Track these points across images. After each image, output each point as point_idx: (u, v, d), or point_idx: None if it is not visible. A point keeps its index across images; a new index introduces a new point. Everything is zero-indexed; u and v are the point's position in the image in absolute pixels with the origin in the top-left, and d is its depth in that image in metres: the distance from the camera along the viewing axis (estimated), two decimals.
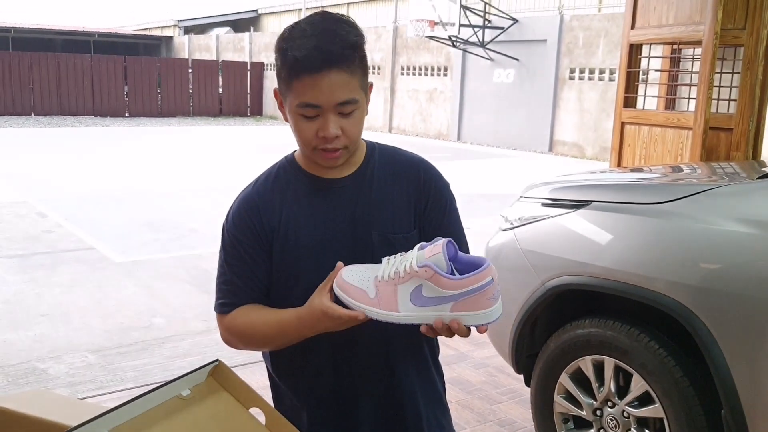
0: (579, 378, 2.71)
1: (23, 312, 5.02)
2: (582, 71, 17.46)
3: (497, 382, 3.85)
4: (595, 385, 2.64)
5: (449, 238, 1.32)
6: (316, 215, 1.52)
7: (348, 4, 31.06)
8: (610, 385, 2.58)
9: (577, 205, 2.72)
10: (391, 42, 23.03)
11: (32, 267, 6.16)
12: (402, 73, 22.96)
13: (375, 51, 23.74)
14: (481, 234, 3.22)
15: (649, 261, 2.41)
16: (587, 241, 2.64)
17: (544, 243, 2.79)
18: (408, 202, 1.56)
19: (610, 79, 16.75)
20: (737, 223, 2.26)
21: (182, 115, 25.82)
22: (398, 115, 23.08)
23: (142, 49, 34.14)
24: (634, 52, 5.94)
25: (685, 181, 3.11)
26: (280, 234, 1.51)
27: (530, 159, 16.75)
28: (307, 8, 31.89)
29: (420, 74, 22.33)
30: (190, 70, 26.23)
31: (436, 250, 1.28)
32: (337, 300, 1.38)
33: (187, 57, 30.77)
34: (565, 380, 2.74)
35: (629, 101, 5.99)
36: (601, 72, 17.03)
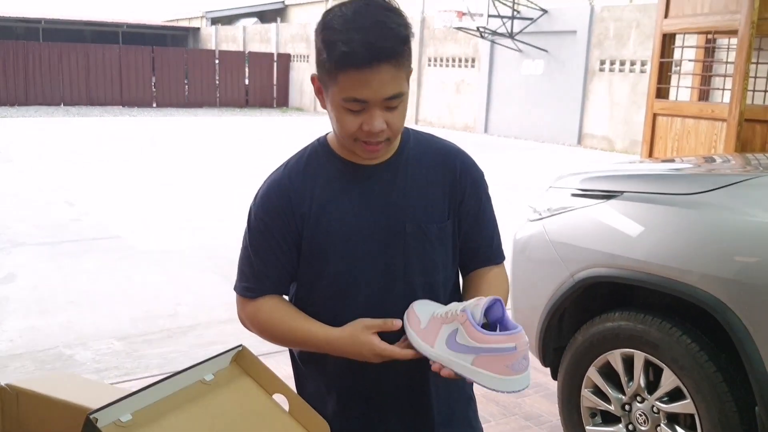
0: (607, 372, 2.65)
1: (51, 299, 5.07)
2: (612, 63, 17.22)
3: None
4: (624, 379, 2.59)
5: (499, 298, 1.32)
6: (349, 202, 1.48)
7: None
8: (640, 379, 2.52)
9: (607, 195, 2.66)
10: (419, 33, 22.91)
11: (61, 255, 6.22)
12: (429, 65, 22.85)
13: None
14: (507, 227, 3.16)
15: (682, 253, 2.35)
16: (618, 233, 2.58)
17: (574, 234, 2.73)
18: (443, 191, 1.52)
19: (642, 71, 16.49)
20: None
21: (209, 105, 25.96)
22: (425, 107, 22.99)
23: (170, 40, 34.38)
24: (668, 42, 5.82)
25: (721, 171, 3.03)
26: (311, 219, 1.47)
27: (558, 152, 16.58)
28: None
29: (447, 66, 22.20)
30: (216, 61, 26.34)
31: (479, 302, 1.31)
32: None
33: (214, 48, 30.91)
34: (593, 374, 2.68)
35: (662, 92, 5.88)
36: (632, 64, 16.78)
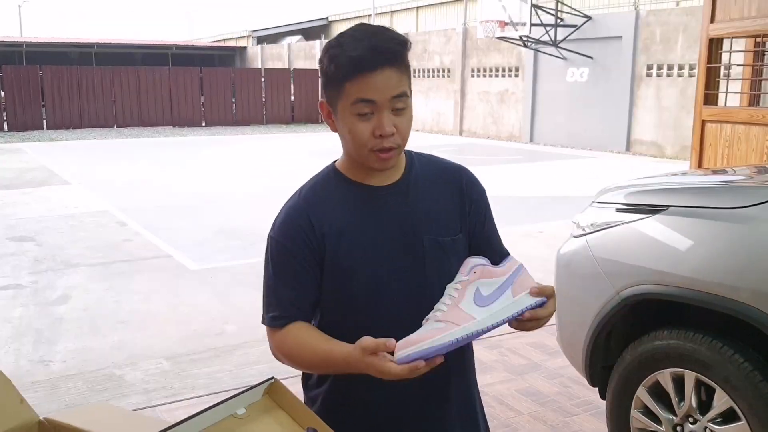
0: (657, 392, 2.58)
1: (103, 319, 5.17)
2: (660, 67, 16.91)
3: (572, 394, 3.72)
4: (674, 399, 2.51)
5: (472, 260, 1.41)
6: (366, 222, 1.52)
7: (417, 8, 31.07)
8: (691, 400, 2.44)
9: (653, 210, 2.60)
10: (461, 44, 22.88)
11: (112, 275, 6.36)
12: (472, 75, 22.77)
13: (444, 54, 23.65)
14: (555, 238, 3.11)
15: (732, 270, 2.27)
16: (665, 249, 2.51)
17: (619, 250, 2.67)
18: (453, 205, 1.59)
19: (690, 75, 16.14)
20: None
21: (256, 123, 26.33)
22: (469, 118, 22.89)
23: (217, 60, 35.05)
24: (714, 46, 5.67)
25: None
26: (332, 241, 1.50)
27: (607, 159, 16.32)
28: (376, 14, 32.07)
29: (491, 76, 22.09)
30: (263, 79, 26.72)
31: (467, 262, 1.40)
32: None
33: (260, 66, 31.40)
34: (642, 394, 2.61)
35: (710, 98, 5.72)
36: (680, 68, 16.45)
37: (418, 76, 25.06)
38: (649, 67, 17.14)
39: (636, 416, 2.65)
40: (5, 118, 22.75)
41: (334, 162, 1.61)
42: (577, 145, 18.70)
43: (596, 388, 2.94)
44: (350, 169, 1.55)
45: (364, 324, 1.50)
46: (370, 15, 32.72)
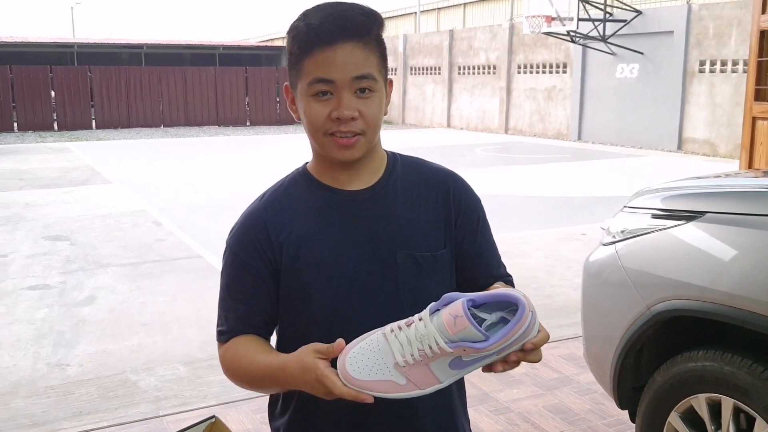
0: (691, 418, 2.32)
1: (126, 321, 5.09)
2: (713, 63, 16.30)
3: (604, 412, 3.45)
4: (710, 427, 2.25)
5: (467, 299, 1.10)
6: (332, 231, 1.32)
7: (464, 4, 30.72)
8: (729, 428, 2.18)
9: (689, 216, 2.34)
10: (507, 40, 22.48)
11: (141, 275, 6.30)
12: (518, 72, 22.35)
13: (490, 50, 23.28)
14: (598, 240, 2.85)
15: None
16: (701, 260, 2.25)
17: (651, 260, 2.41)
18: (437, 217, 1.37)
19: (744, 71, 15.49)
20: None
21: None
22: (515, 115, 22.48)
23: (263, 60, 35.25)
24: (766, 39, 5.32)
25: None
26: (290, 251, 1.31)
27: (657, 158, 15.78)
28: (421, 11, 31.84)
29: (537, 72, 21.65)
30: None
31: (461, 324, 1.07)
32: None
33: None
34: (675, 420, 2.35)
35: (761, 94, 5.37)
36: (735, 63, 15.82)
37: (463, 74, 24.74)
38: (702, 63, 16.53)
39: None
40: (55, 117, 23.26)
41: (306, 164, 1.43)
42: (626, 143, 18.17)
43: (617, 405, 2.69)
44: (319, 170, 1.37)
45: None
46: (415, 12, 32.52)
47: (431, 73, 26.19)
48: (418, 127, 25.51)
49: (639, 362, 2.53)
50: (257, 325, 1.36)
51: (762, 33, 5.24)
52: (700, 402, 2.26)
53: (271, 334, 1.41)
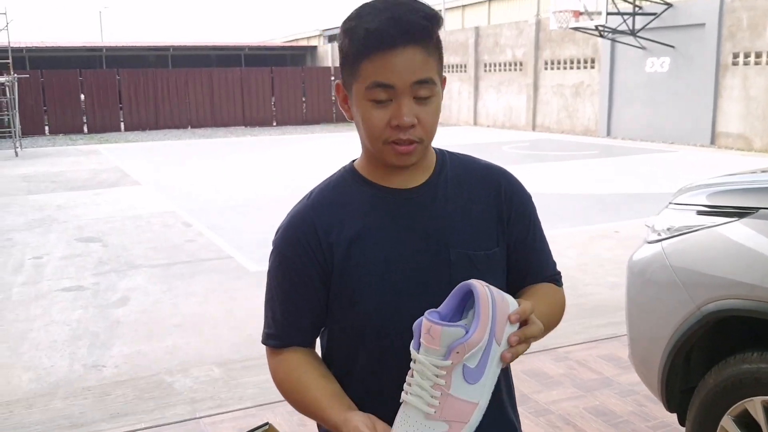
0: (746, 422, 2.24)
1: (159, 322, 5.10)
2: (747, 55, 15.97)
3: (647, 414, 3.36)
4: (766, 431, 2.16)
5: (427, 312, 1.10)
6: (384, 230, 1.28)
7: (489, 1, 30.53)
8: None
9: (740, 212, 2.25)
10: (533, 36, 22.28)
11: (172, 277, 6.31)
12: (545, 68, 22.14)
13: (517, 47, 23.09)
14: (632, 238, 2.77)
15: None
16: (754, 258, 2.16)
17: (700, 259, 2.33)
18: (489, 215, 1.33)
19: None
20: None
21: (325, 122, 26.41)
22: (542, 112, 22.27)
23: (289, 60, 35.38)
24: None
25: None
26: (341, 251, 1.28)
27: (689, 153, 15.52)
28: (447, 8, 31.70)
29: (565, 68, 21.42)
30: (332, 78, 26.77)
31: (435, 333, 1.06)
32: None
33: (329, 65, 31.49)
34: (728, 424, 2.27)
35: None
36: None
37: (489, 71, 24.58)
38: (735, 55, 16.21)
39: None
40: (85, 120, 23.54)
41: (353, 161, 1.39)
42: (657, 138, 17.90)
43: (665, 408, 2.60)
44: (368, 169, 1.33)
45: (376, 353, 1.29)
46: (440, 10, 32.37)
47: (457, 71, 26.06)
48: (445, 126, 25.40)
49: (688, 364, 2.45)
50: (306, 330, 1.34)
51: None
52: (755, 405, 2.17)
53: (317, 335, 1.38)
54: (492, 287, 1.12)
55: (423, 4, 1.22)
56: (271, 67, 26.57)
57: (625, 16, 17.38)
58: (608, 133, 19.62)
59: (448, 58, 26.25)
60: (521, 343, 1.12)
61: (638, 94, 18.67)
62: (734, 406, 2.24)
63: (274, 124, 25.74)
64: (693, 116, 17.10)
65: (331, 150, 17.40)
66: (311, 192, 1.37)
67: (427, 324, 1.07)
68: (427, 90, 1.20)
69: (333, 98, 26.61)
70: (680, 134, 17.35)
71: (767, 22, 15.45)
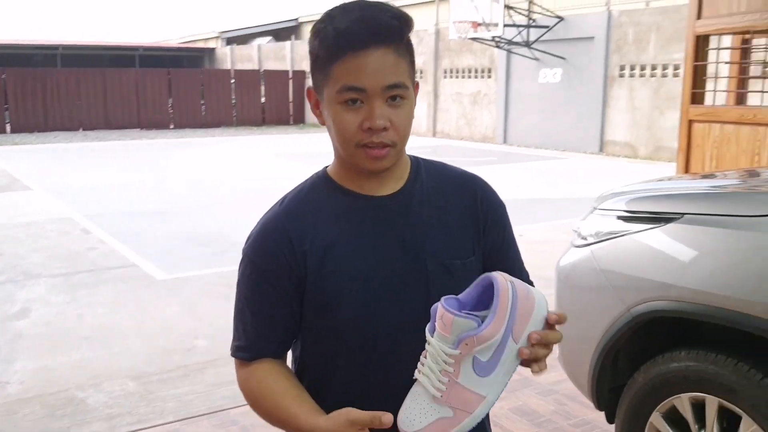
0: (674, 418, 2.36)
1: (64, 335, 4.84)
2: (633, 68, 16.89)
3: (569, 412, 3.49)
4: (693, 427, 2.29)
5: (444, 299, 1.10)
6: (359, 237, 1.27)
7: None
8: (713, 428, 2.22)
9: (667, 218, 2.37)
10: (433, 45, 22.72)
11: (75, 286, 6.00)
12: (445, 77, 22.61)
13: (417, 55, 23.34)
14: (537, 242, 2.87)
15: (761, 285, 2.05)
16: (681, 261, 2.29)
17: (630, 262, 2.44)
18: (465, 223, 1.33)
19: (663, 75, 16.16)
20: None
21: (226, 125, 25.90)
22: (442, 119, 22.73)
23: (185, 62, 34.47)
24: (701, 43, 5.51)
25: None
26: (315, 260, 1.25)
27: (581, 160, 16.23)
28: None
29: (463, 77, 21.95)
30: (232, 81, 26.31)
31: (447, 320, 1.07)
32: None
33: (229, 67, 30.94)
34: (657, 420, 2.38)
35: (697, 97, 5.56)
36: (653, 68, 16.44)
37: None
38: (622, 68, 17.11)
39: None
40: None
41: (326, 167, 1.36)
42: (550, 146, 18.62)
43: (595, 406, 2.71)
44: (342, 175, 1.30)
45: (353, 363, 1.27)
46: None
47: None
48: None
49: (616, 364, 2.56)
50: (279, 341, 1.31)
51: (697, 38, 5.42)
52: (683, 402, 2.29)
53: (289, 347, 1.35)
54: (517, 282, 1.12)
55: (392, 6, 1.21)
56: (168, 68, 25.80)
57: (520, 28, 18.00)
58: (505, 141, 20.24)
59: None
60: (542, 344, 1.12)
61: (533, 104, 19.37)
62: (663, 403, 2.35)
63: (172, 126, 24.98)
64: (583, 125, 17.90)
65: (232, 154, 17.06)
66: (283, 198, 1.34)
67: (441, 310, 1.07)
68: (398, 92, 1.19)
69: (233, 101, 26.15)
70: (572, 142, 18.12)
71: (651, 37, 16.40)
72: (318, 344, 1.31)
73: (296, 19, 36.06)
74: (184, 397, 3.77)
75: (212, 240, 7.83)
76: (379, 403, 1.20)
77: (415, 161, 1.36)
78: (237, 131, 24.41)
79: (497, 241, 1.38)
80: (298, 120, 27.54)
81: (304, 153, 17.12)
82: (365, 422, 1.12)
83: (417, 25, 23.85)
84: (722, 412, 2.19)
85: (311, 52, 1.23)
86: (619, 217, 2.57)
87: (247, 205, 9.88)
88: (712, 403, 2.21)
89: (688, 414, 2.29)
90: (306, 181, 1.36)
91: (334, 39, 1.17)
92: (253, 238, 1.30)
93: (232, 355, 1.32)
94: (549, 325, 1.14)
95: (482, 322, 1.07)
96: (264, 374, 1.27)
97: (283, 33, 34.93)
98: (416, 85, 1.28)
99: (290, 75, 27.69)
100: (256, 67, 30.26)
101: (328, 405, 1.27)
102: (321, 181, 1.33)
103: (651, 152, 16.32)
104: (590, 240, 2.65)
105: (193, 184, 12.10)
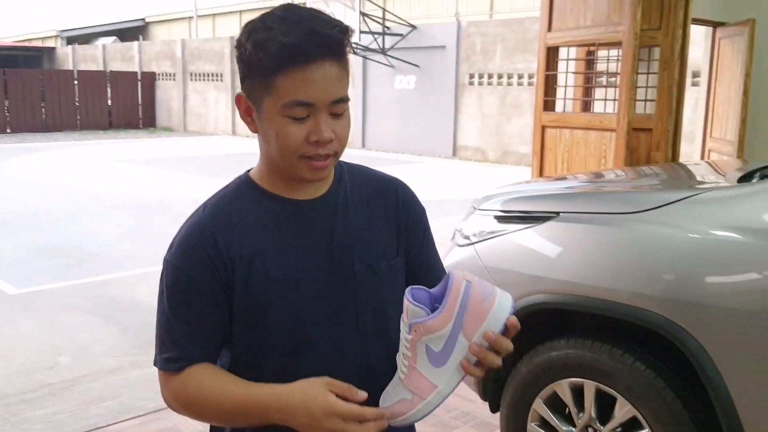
0: (555, 403, 2.52)
1: None
2: (481, 76, 17.69)
3: (448, 405, 3.62)
4: (573, 410, 2.45)
5: (411, 288, 1.19)
6: (286, 243, 1.27)
7: (241, 11, 30.45)
8: (591, 410, 2.40)
9: (543, 217, 2.53)
10: None
11: None
12: None
13: None
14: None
15: (631, 275, 2.24)
16: (559, 255, 2.46)
17: (511, 259, 2.58)
18: (389, 225, 1.36)
19: (509, 84, 17.06)
20: (724, 230, 2.13)
21: (69, 129, 24.38)
22: None
23: (22, 62, 32.14)
24: (551, 54, 5.90)
25: (663, 187, 2.96)
26: (243, 266, 1.24)
27: (435, 164, 16.80)
28: (198, 15, 31.04)
29: None
30: (75, 82, 24.85)
31: (406, 306, 1.17)
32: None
33: (72, 68, 29.20)
34: (539, 406, 2.54)
35: (548, 105, 5.94)
36: (500, 77, 17.30)
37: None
38: (471, 76, 17.88)
39: (533, 429, 2.58)
40: None
41: (248, 171, 1.34)
42: (407, 150, 19.11)
43: (476, 398, 2.85)
44: (268, 180, 1.29)
45: (285, 367, 1.26)
46: (191, 17, 31.62)
47: (213, 80, 25.58)
48: (202, 135, 24.78)
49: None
50: (210, 348, 1.27)
51: (548, 49, 5.79)
52: (563, 388, 2.46)
53: (219, 355, 1.32)
54: (479, 282, 1.15)
55: (334, 18, 1.21)
56: (3, 68, 23.95)
57: (376, 35, 18.35)
58: (363, 145, 20.53)
59: (203, 66, 25.71)
60: (495, 348, 1.15)
61: (389, 109, 19.79)
62: (544, 390, 2.51)
63: (8, 131, 23.15)
64: (437, 130, 18.53)
65: (77, 159, 16.12)
66: (205, 204, 1.30)
67: (406, 303, 1.16)
68: (343, 106, 1.21)
69: (77, 104, 24.70)
70: (427, 147, 18.70)
71: (497, 47, 17.27)
72: (247, 352, 1.28)
73: (143, 19, 34.76)
74: (53, 417, 3.54)
75: (66, 251, 7.37)
76: None
77: (339, 165, 1.37)
78: (82, 135, 23.08)
79: (418, 241, 1.41)
80: (149, 124, 26.48)
81: (156, 159, 16.51)
82: (342, 388, 1.16)
83: None
84: (599, 395, 2.38)
85: (247, 62, 1.19)
86: (499, 217, 2.71)
87: (101, 214, 9.40)
88: (590, 387, 2.38)
89: (568, 398, 2.46)
90: (227, 186, 1.33)
91: (279, 51, 1.14)
92: (177, 246, 1.26)
93: (161, 368, 1.26)
94: (509, 332, 1.18)
95: (429, 312, 1.14)
96: (201, 375, 1.24)
97: (128, 33, 33.52)
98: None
99: (139, 77, 26.58)
100: (101, 68, 28.76)
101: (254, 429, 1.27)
102: (246, 187, 1.31)
103: (499, 156, 17.16)
104: (473, 239, 2.77)
105: (38, 192, 11.32)
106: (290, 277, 1.25)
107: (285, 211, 1.28)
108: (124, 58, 29.02)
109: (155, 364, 1.28)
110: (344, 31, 1.19)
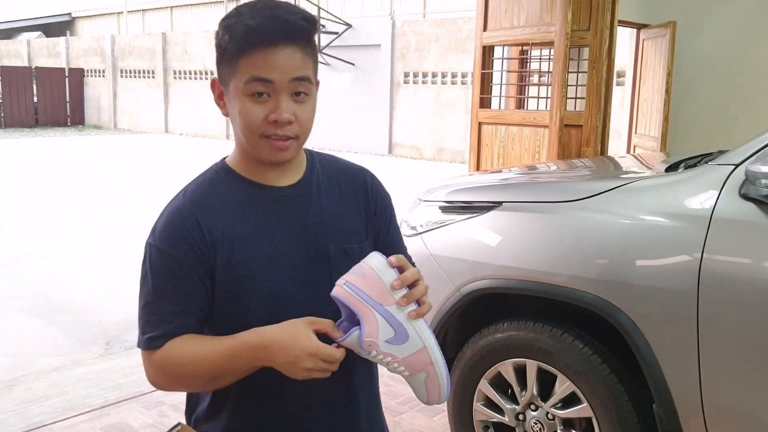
0: (499, 383, 2.65)
1: None
2: (416, 75, 17.92)
3: (394, 392, 3.72)
4: (516, 389, 2.59)
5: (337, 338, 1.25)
6: (264, 226, 1.33)
7: (171, 7, 29.88)
8: (533, 388, 2.54)
9: (486, 206, 2.66)
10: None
11: None
12: None
13: (207, 55, 22.97)
14: None
15: (569, 260, 2.39)
16: (501, 243, 2.59)
17: (457, 247, 2.70)
18: (358, 210, 1.45)
19: (443, 83, 17.33)
20: (654, 216, 2.29)
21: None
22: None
23: None
24: (487, 53, 6.08)
25: (597, 177, 3.12)
26: (224, 249, 1.30)
27: (371, 161, 16.90)
28: (128, 11, 30.35)
29: None
30: None
31: (349, 345, 1.24)
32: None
33: None
34: (484, 386, 2.67)
35: (484, 102, 6.12)
36: (434, 75, 17.56)
37: (180, 78, 24.08)
38: (406, 75, 18.08)
39: (478, 409, 2.71)
40: None
41: (224, 158, 1.40)
42: (343, 148, 19.17)
43: None
44: (243, 166, 1.36)
45: None
46: (121, 12, 30.89)
47: (145, 77, 25.07)
48: (133, 132, 24.25)
49: (446, 339, 2.81)
50: (193, 326, 1.31)
51: (484, 48, 5.97)
52: (506, 368, 2.59)
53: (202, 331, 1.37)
54: (350, 272, 1.25)
55: (300, 8, 1.30)
56: None
57: None
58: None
59: (134, 63, 25.17)
60: (411, 287, 1.26)
61: (326, 107, 19.68)
62: (489, 371, 2.64)
63: None
64: (373, 128, 18.68)
65: (3, 158, 15.58)
66: (185, 190, 1.36)
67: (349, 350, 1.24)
68: (304, 87, 1.27)
69: (0, 101, 23.82)
70: (363, 144, 18.81)
71: (432, 46, 17.51)
72: (228, 331, 1.32)
73: (69, 14, 33.75)
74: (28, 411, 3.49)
75: None
76: (293, 386, 1.29)
77: (310, 154, 1.45)
78: (6, 133, 22.27)
79: (384, 227, 1.49)
80: (77, 121, 25.76)
81: (88, 156, 16.10)
82: (325, 324, 1.24)
83: (204, 25, 23.14)
84: (541, 373, 2.52)
85: (219, 46, 1.27)
86: (444, 208, 2.83)
87: (30, 214, 9.15)
88: (532, 367, 2.52)
89: (511, 378, 2.59)
90: (205, 172, 1.39)
91: (245, 34, 1.22)
92: (161, 229, 1.30)
93: (144, 348, 1.30)
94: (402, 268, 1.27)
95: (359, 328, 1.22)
96: (183, 341, 1.28)
97: (54, 28, 32.50)
98: (317, 84, 1.35)
99: (66, 73, 25.82)
100: (25, 64, 27.81)
101: (237, 393, 1.34)
102: (223, 172, 1.37)
103: (434, 153, 17.42)
104: (420, 230, 2.88)
105: None
106: (270, 259, 1.31)
107: (263, 196, 1.35)
108: (51, 53, 28.14)
109: (139, 346, 1.32)
110: (308, 19, 1.26)
